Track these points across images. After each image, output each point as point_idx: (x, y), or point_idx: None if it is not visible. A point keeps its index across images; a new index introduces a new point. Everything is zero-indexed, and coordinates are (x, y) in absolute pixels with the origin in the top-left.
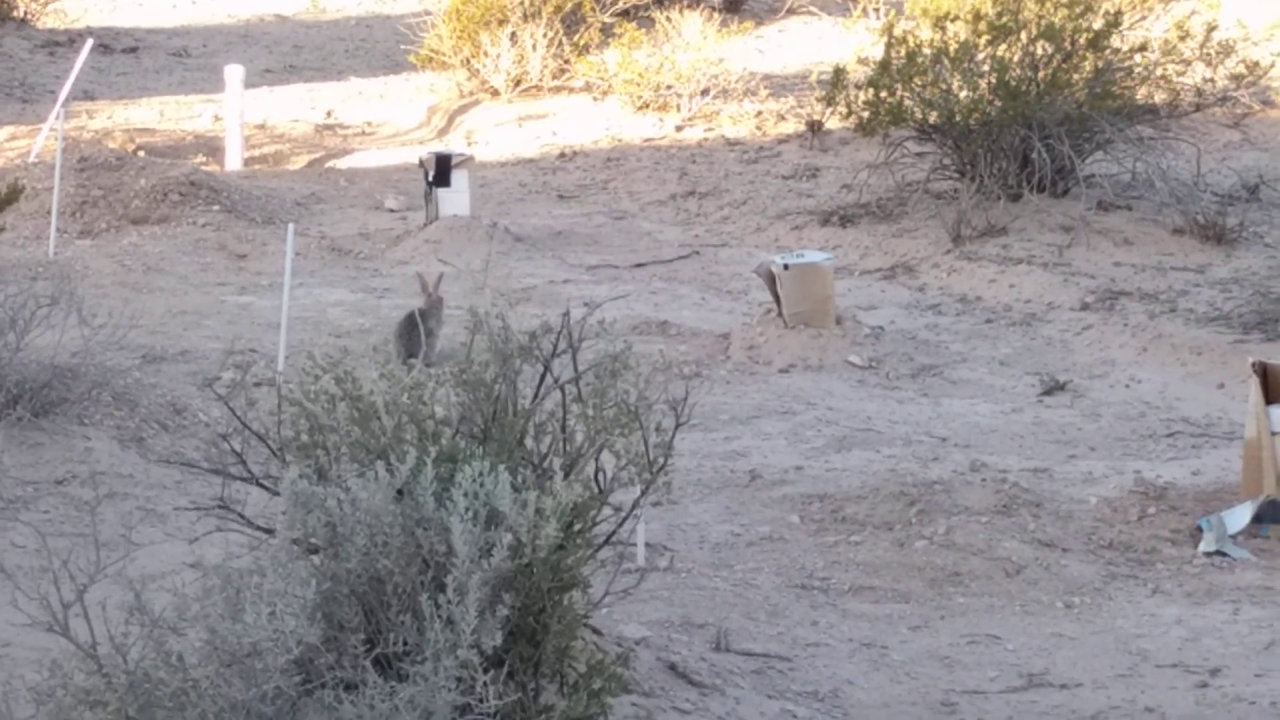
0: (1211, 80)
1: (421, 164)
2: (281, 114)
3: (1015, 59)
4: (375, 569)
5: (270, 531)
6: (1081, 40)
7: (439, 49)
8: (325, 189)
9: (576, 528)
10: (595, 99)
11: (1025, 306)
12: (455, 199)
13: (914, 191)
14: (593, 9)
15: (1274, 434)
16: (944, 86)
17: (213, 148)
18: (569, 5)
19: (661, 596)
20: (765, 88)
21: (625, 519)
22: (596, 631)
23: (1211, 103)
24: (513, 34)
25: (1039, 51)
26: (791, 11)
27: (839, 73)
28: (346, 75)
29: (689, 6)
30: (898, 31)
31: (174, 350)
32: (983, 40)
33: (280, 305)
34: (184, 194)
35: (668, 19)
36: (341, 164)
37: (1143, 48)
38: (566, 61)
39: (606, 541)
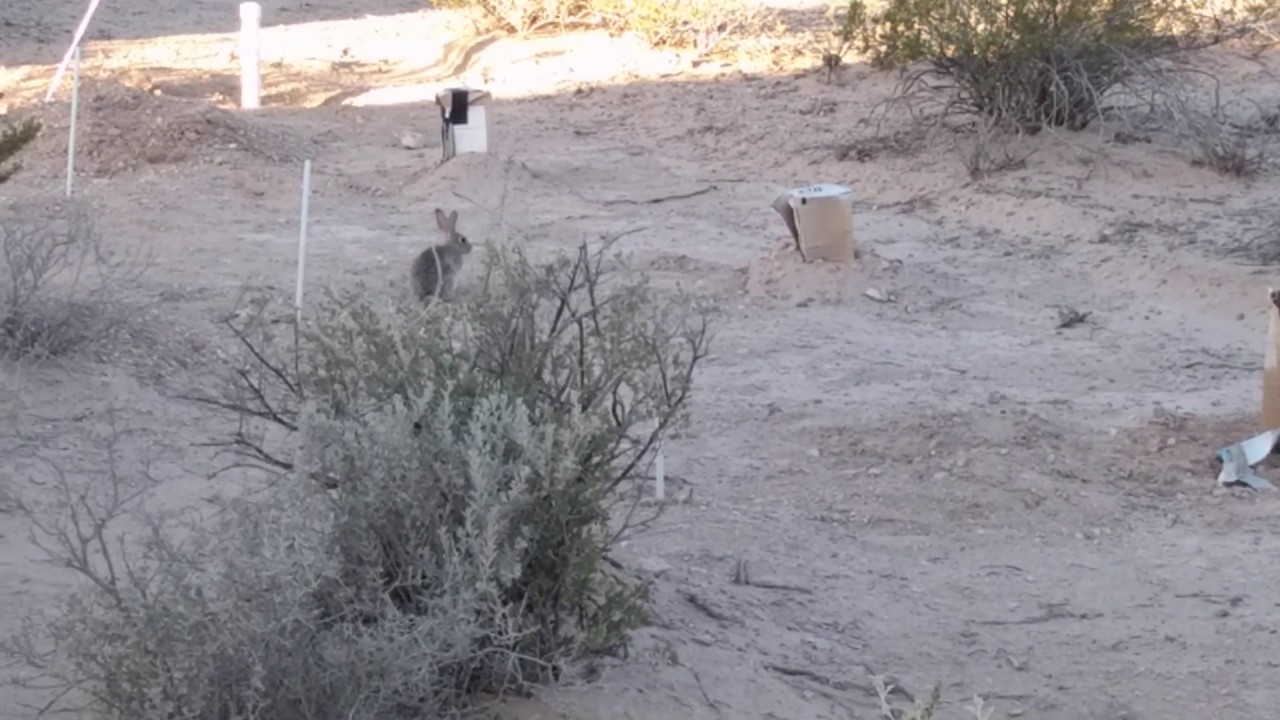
0: (1230, 12)
1: (438, 101)
2: (298, 52)
3: None
4: (393, 502)
5: (288, 466)
6: None
7: None
8: (342, 127)
9: (595, 460)
10: (612, 35)
11: (1044, 239)
12: (472, 136)
13: (932, 125)
14: None
15: None
16: (961, 19)
17: (229, 86)
18: None
19: (681, 529)
20: (782, 22)
21: (643, 452)
22: (615, 564)
23: (1230, 34)
24: None
25: None
26: None
27: (856, 7)
28: (363, 13)
29: None
30: None
31: (192, 288)
32: None
33: (297, 242)
34: (200, 132)
35: None
36: (358, 102)
37: None
38: None
39: (625, 474)
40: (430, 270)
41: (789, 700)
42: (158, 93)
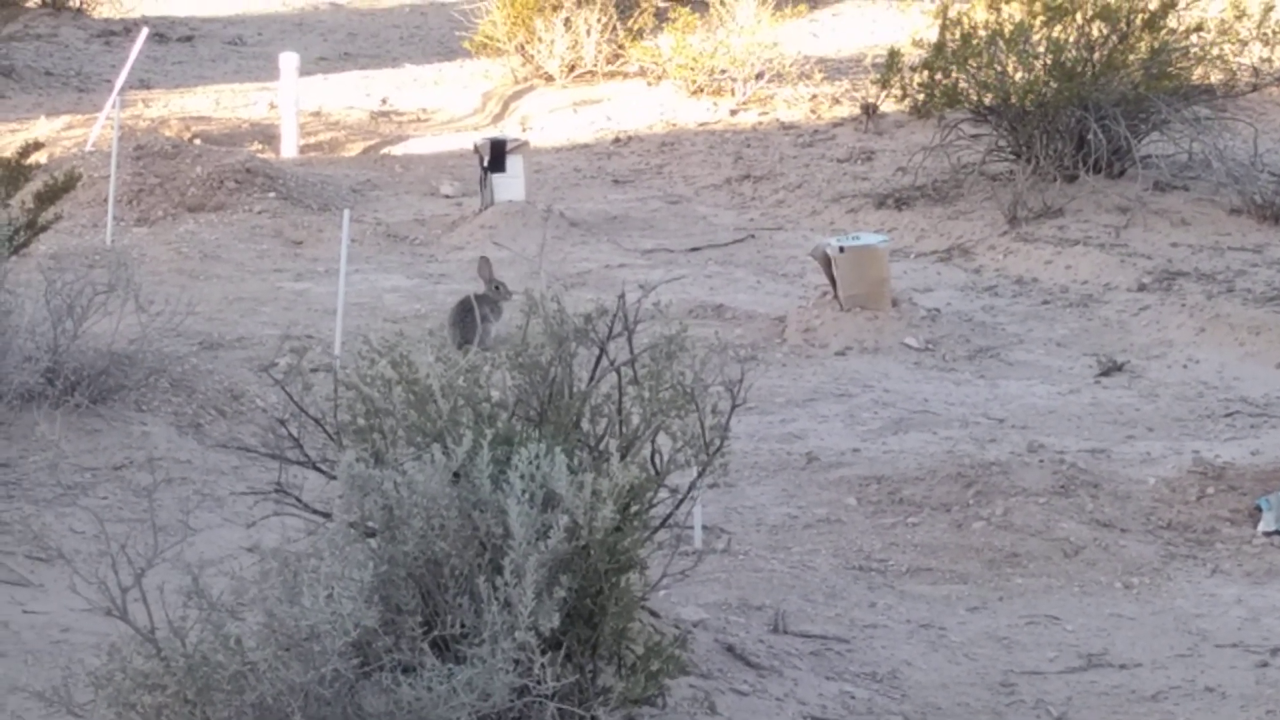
0: (1268, 60)
1: (476, 150)
2: (336, 101)
3: (1071, 40)
4: (432, 551)
5: (327, 515)
6: (1137, 21)
7: (493, 35)
8: (380, 175)
9: (633, 509)
10: (649, 84)
11: (1082, 288)
12: (510, 184)
13: (969, 173)
14: None
15: None
16: (999, 68)
17: (268, 135)
18: None
19: (719, 579)
20: (820, 71)
21: (682, 501)
22: (654, 614)
23: (1268, 82)
24: (567, 19)
25: (1094, 32)
26: None
27: (893, 55)
28: (401, 62)
29: None
30: (952, 13)
31: (231, 336)
32: (1038, 21)
33: (336, 291)
34: (240, 181)
35: (721, 2)
36: (396, 150)
37: (1199, 28)
38: (620, 46)
39: (663, 524)
40: (468, 319)
41: None
42: (197, 142)
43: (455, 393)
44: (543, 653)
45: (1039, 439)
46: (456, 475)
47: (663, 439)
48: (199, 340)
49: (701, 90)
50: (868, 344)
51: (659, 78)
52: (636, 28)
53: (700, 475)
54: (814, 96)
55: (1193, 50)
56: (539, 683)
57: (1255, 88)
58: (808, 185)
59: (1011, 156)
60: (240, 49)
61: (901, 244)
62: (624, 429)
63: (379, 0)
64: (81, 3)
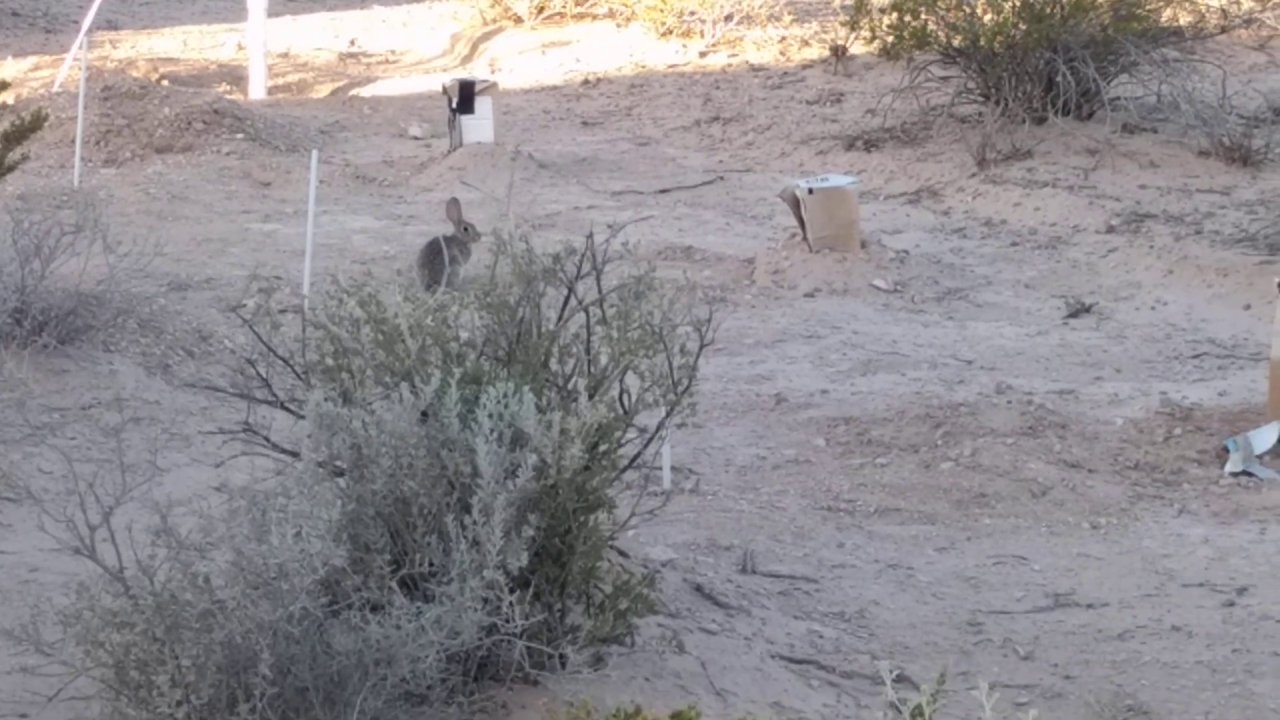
0: (1237, 2)
1: (445, 91)
2: (305, 43)
3: None
4: (400, 490)
5: (295, 454)
6: None
7: None
8: (349, 117)
9: (601, 449)
10: (619, 25)
11: (1050, 229)
12: (479, 126)
13: (938, 115)
14: None
15: None
16: (968, 9)
17: (236, 76)
18: None
19: (687, 519)
20: (789, 13)
21: (650, 440)
22: (622, 553)
23: (1237, 24)
24: None
25: None
26: None
27: None
28: (369, 4)
29: None
30: None
31: (199, 277)
32: None
33: (305, 232)
34: (208, 122)
35: None
36: (365, 92)
37: None
38: None
39: (631, 463)
40: (437, 260)
41: (795, 689)
42: (165, 83)
43: (423, 332)
44: (511, 591)
45: (1007, 380)
46: (425, 414)
47: (631, 379)
48: (167, 281)
49: (670, 32)
50: (836, 285)
51: (628, 19)
52: None
53: (668, 415)
54: (783, 39)
55: None
56: (507, 621)
57: (1224, 30)
58: (777, 127)
59: (980, 99)
60: None
61: (870, 186)
62: (592, 369)
63: None
64: None
